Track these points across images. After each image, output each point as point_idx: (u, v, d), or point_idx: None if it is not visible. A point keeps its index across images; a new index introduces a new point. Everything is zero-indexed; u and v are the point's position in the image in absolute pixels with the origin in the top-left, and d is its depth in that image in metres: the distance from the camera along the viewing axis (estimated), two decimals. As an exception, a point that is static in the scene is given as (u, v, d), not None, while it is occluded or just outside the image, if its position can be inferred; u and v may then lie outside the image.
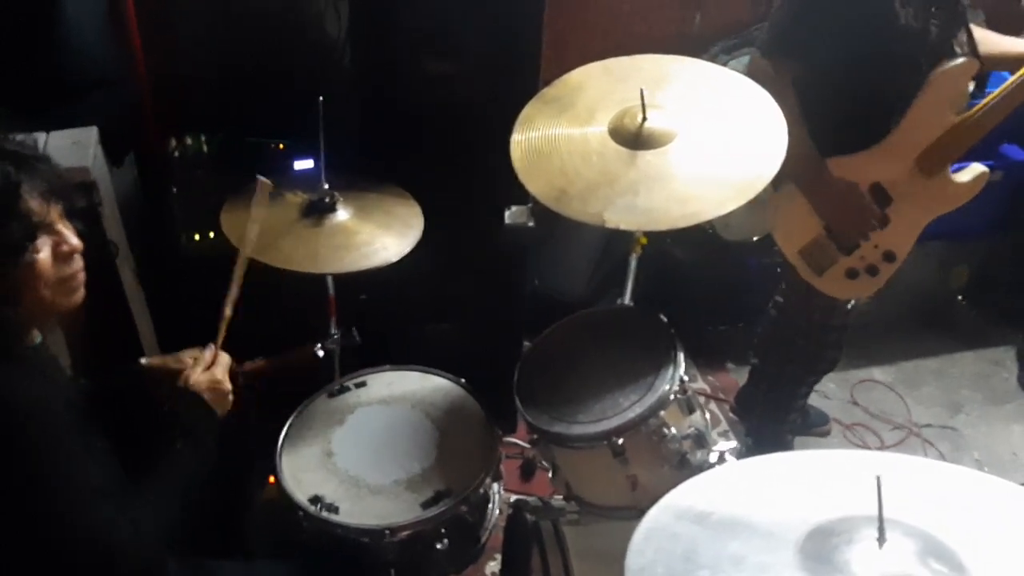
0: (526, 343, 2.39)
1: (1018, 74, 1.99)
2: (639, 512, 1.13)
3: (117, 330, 2.18)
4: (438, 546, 1.75)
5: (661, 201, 1.70)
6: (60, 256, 1.25)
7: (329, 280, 2.05)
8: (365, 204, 2.01)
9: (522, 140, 1.82)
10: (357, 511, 1.74)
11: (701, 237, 2.91)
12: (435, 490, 1.78)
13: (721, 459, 1.82)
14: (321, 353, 1.93)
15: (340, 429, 1.93)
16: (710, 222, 2.21)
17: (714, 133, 1.76)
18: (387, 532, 1.70)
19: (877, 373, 3.14)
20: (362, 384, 2.04)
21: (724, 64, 2.63)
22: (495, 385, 1.99)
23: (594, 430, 1.74)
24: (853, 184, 2.10)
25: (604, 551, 1.65)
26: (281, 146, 2.32)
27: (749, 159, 1.71)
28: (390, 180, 2.11)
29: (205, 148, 2.32)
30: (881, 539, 1.00)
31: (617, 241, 2.80)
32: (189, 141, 2.32)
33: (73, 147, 1.97)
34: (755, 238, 2.91)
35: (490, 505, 1.90)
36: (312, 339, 1.95)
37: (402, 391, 2.03)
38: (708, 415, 1.92)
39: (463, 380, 2.04)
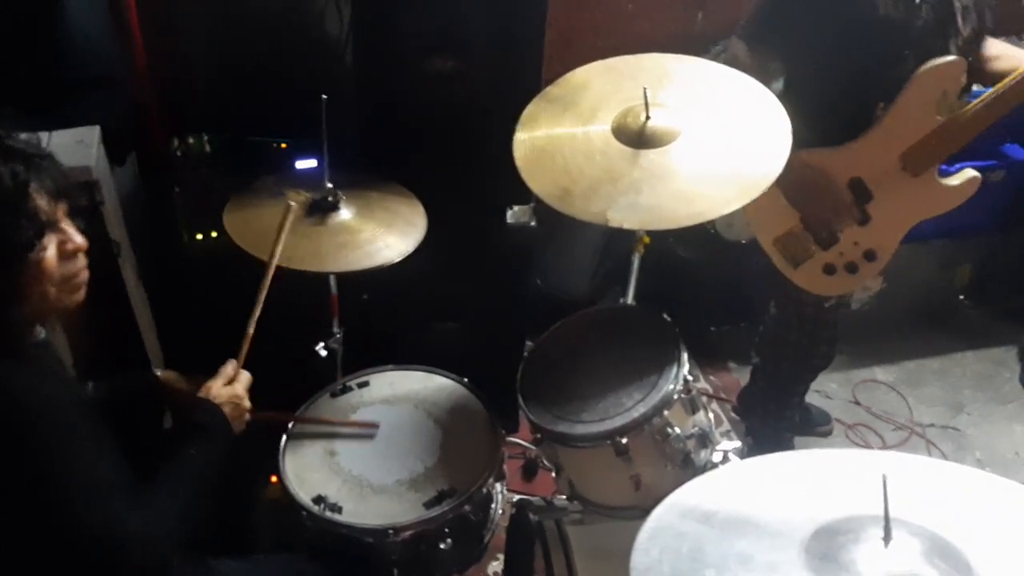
0: (528, 342, 2.39)
1: (1009, 77, 1.93)
2: (643, 512, 1.14)
3: (119, 330, 2.18)
4: (441, 546, 1.75)
5: (664, 200, 1.69)
6: (65, 254, 1.26)
7: (332, 279, 2.05)
8: (368, 203, 2.00)
9: (525, 139, 1.81)
10: (360, 511, 1.74)
11: (703, 237, 2.91)
12: (438, 490, 1.78)
13: (725, 459, 1.82)
14: (324, 352, 1.93)
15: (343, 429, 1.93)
16: (712, 222, 2.21)
17: (717, 132, 1.76)
18: (390, 532, 1.70)
19: (879, 373, 3.14)
20: (364, 384, 2.04)
21: (726, 63, 2.62)
22: (497, 384, 1.99)
23: (598, 429, 1.74)
24: (826, 174, 2.06)
25: (607, 551, 1.65)
26: (283, 145, 2.31)
27: (752, 158, 1.71)
28: (393, 179, 2.11)
29: (207, 147, 2.31)
30: (887, 538, 1.00)
31: (619, 240, 2.80)
32: (191, 140, 2.32)
33: (75, 146, 1.97)
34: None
35: (493, 505, 1.90)
36: (314, 338, 1.95)
37: (405, 391, 2.03)
38: (711, 415, 1.91)
39: (466, 379, 2.04)
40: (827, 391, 3.01)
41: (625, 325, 1.99)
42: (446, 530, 1.75)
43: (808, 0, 1.95)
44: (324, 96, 1.87)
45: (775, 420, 2.67)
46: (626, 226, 1.70)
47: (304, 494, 1.77)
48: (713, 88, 1.84)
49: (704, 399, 1.87)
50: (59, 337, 1.80)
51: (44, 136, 1.94)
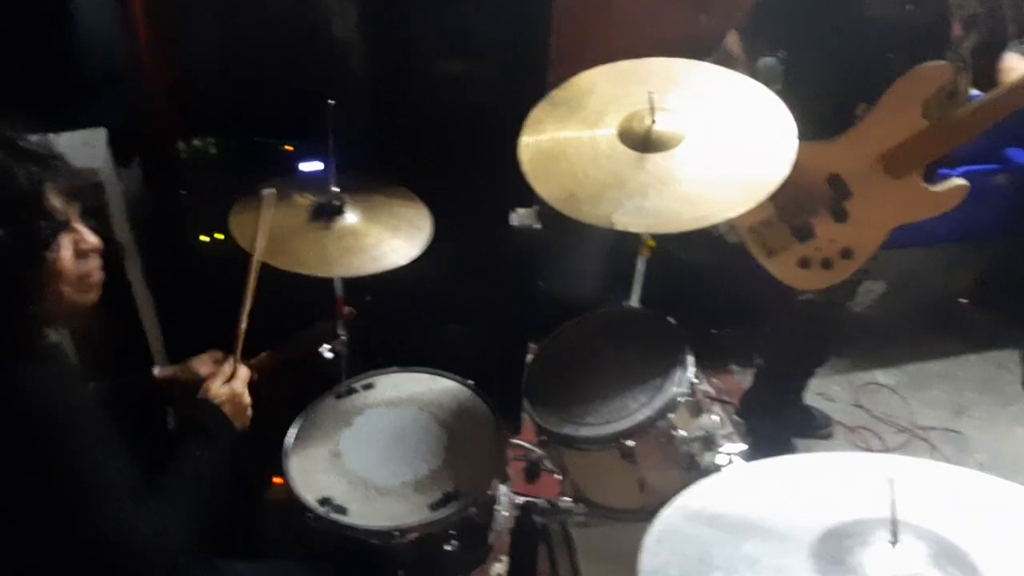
0: (533, 345, 2.39)
1: (999, 88, 1.94)
2: (648, 514, 1.14)
3: (124, 331, 2.19)
4: (446, 547, 1.75)
5: (670, 204, 1.70)
6: (80, 254, 1.26)
7: (337, 282, 2.05)
8: (373, 206, 2.00)
9: (531, 143, 1.82)
10: (366, 512, 1.74)
11: (707, 240, 2.90)
12: (443, 491, 1.78)
13: (730, 461, 1.82)
14: (330, 355, 1.93)
15: (348, 431, 1.93)
16: (716, 225, 2.21)
17: (722, 136, 1.77)
18: (396, 533, 1.71)
19: (881, 376, 3.14)
20: (370, 386, 2.05)
21: (718, 59, 2.63)
22: (502, 387, 1.99)
23: (603, 432, 1.75)
24: (802, 165, 2.06)
25: (612, 553, 1.65)
26: (289, 148, 2.32)
27: (757, 162, 1.71)
28: (398, 182, 2.11)
29: (213, 150, 2.32)
30: (894, 541, 1.01)
31: (624, 244, 2.81)
32: (197, 143, 2.32)
33: (82, 148, 1.98)
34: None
35: (498, 507, 1.90)
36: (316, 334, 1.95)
37: (410, 393, 2.03)
38: (716, 417, 1.92)
39: (471, 382, 2.04)
40: (829, 393, 3.01)
41: (630, 328, 1.99)
42: (451, 532, 1.75)
43: None
44: (331, 101, 1.87)
45: (773, 420, 2.67)
46: (632, 229, 1.72)
47: (309, 495, 1.77)
48: (718, 92, 1.85)
49: (708, 401, 1.88)
50: (64, 338, 1.80)
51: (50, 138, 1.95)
